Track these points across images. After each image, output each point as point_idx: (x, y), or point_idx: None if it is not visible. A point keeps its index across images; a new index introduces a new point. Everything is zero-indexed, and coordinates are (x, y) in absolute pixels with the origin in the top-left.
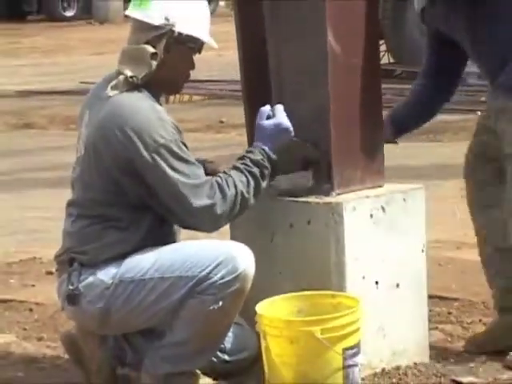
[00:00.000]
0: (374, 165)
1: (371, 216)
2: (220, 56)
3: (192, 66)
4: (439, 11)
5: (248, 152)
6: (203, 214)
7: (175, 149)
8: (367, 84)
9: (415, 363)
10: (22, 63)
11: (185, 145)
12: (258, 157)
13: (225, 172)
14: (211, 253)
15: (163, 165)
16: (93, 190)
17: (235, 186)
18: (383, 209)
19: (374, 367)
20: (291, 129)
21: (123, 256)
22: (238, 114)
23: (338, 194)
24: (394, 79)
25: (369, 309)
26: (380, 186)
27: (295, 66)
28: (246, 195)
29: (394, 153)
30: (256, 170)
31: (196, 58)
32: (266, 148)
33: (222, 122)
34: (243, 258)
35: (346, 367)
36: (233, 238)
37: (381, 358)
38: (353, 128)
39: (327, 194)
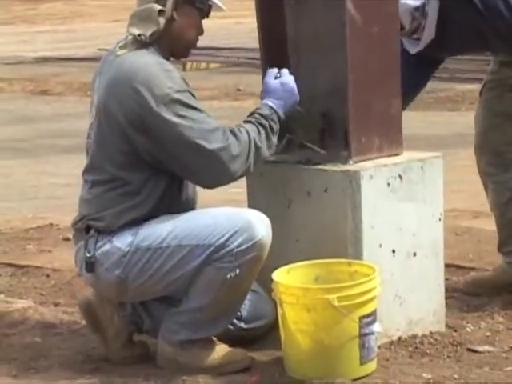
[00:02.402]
0: (392, 133)
1: (388, 184)
2: (238, 24)
3: (200, 30)
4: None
5: (256, 109)
6: (218, 156)
7: (184, 98)
8: (386, 52)
9: (431, 332)
10: (39, 30)
11: (193, 95)
12: (266, 112)
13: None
14: (229, 221)
15: (173, 114)
16: (107, 154)
17: (248, 133)
18: (400, 177)
19: (390, 336)
20: (296, 91)
21: (140, 223)
22: (255, 81)
23: (356, 162)
24: None
25: (385, 277)
26: (398, 155)
27: (313, 34)
28: (259, 143)
29: (413, 121)
30: (265, 123)
31: (215, 25)
32: (274, 105)
33: (239, 89)
34: (261, 226)
35: (362, 335)
36: (250, 205)
37: (397, 327)
38: (370, 96)
39: (345, 161)
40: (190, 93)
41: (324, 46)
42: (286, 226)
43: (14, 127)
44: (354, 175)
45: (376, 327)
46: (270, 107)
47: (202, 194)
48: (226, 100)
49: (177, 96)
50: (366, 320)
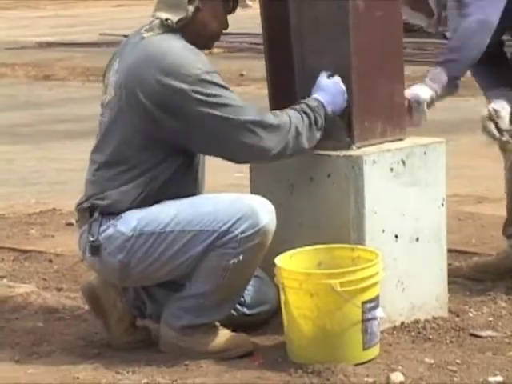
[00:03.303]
0: (395, 118)
1: (391, 169)
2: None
3: (225, 24)
4: None
5: (304, 100)
6: (252, 128)
7: (214, 79)
8: (389, 37)
9: (434, 317)
10: (42, 15)
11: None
12: (313, 103)
13: None
14: (233, 207)
15: (204, 94)
16: (122, 133)
17: (289, 116)
18: (403, 162)
19: (392, 321)
20: (346, 94)
21: (144, 206)
22: (258, 67)
23: (359, 147)
24: (414, 33)
25: (388, 262)
26: (401, 140)
27: (316, 20)
28: (300, 130)
29: None
30: (310, 113)
31: None
32: (322, 100)
33: (242, 75)
34: (264, 213)
35: (364, 320)
36: (252, 190)
37: (400, 312)
38: (374, 81)
39: (348, 147)
40: (218, 74)
41: (327, 32)
42: (289, 211)
43: (17, 112)
44: (356, 160)
45: (379, 312)
46: (318, 101)
47: (205, 178)
48: (229, 85)
49: (207, 76)
50: (368, 305)
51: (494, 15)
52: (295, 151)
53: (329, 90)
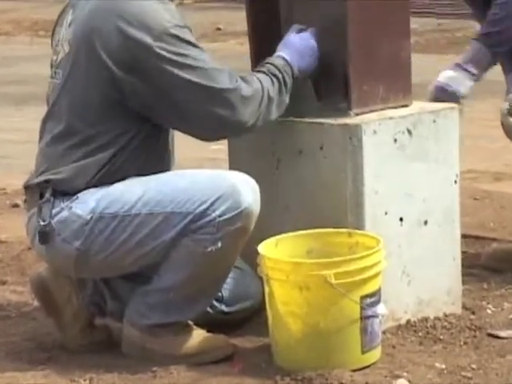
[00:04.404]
0: (400, 80)
1: (395, 141)
2: None
3: None
4: None
5: (268, 59)
6: (227, 97)
7: (184, 35)
8: None
9: (445, 314)
10: None
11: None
12: (279, 62)
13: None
14: (210, 185)
15: (173, 52)
16: (79, 97)
17: (260, 81)
18: (409, 132)
19: (397, 319)
20: (316, 50)
21: (105, 184)
22: (237, 19)
23: (357, 114)
24: None
25: (391, 250)
26: (406, 106)
27: None
28: (272, 94)
29: (424, 66)
30: (279, 74)
31: None
32: (288, 58)
33: (218, 29)
34: (247, 192)
35: (363, 318)
36: (231, 166)
37: (405, 309)
38: (375, 37)
39: (343, 113)
40: (190, 30)
41: None
42: (274, 190)
43: None
44: (354, 130)
45: (380, 309)
46: (284, 59)
47: (175, 152)
48: (203, 41)
49: (176, 31)
50: (368, 300)
51: None
52: (265, 121)
53: (295, 47)
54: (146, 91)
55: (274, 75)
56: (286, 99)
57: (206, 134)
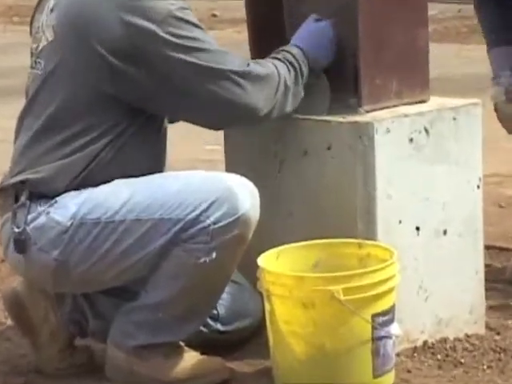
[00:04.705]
0: (416, 73)
1: (411, 140)
2: None
3: None
4: None
5: (283, 47)
6: (238, 78)
7: (190, 17)
8: None
9: (467, 335)
10: None
11: None
12: (294, 50)
13: None
14: (203, 188)
15: (178, 36)
16: (63, 89)
17: (276, 67)
18: (427, 131)
19: (412, 340)
20: (333, 43)
21: (87, 187)
22: (234, 4)
23: (368, 112)
24: None
25: (406, 263)
26: (423, 101)
27: None
28: (289, 83)
29: (444, 57)
30: (295, 63)
31: None
32: (303, 47)
33: (214, 15)
34: (245, 196)
35: (375, 339)
36: (228, 168)
37: (422, 328)
38: (388, 25)
39: (353, 110)
40: (192, 12)
41: None
42: (276, 194)
43: None
44: (365, 128)
45: (394, 328)
46: (299, 48)
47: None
48: None
49: (180, 14)
50: (380, 319)
51: None
52: (281, 112)
53: (312, 36)
54: (148, 82)
55: (291, 63)
56: (302, 91)
57: (217, 122)
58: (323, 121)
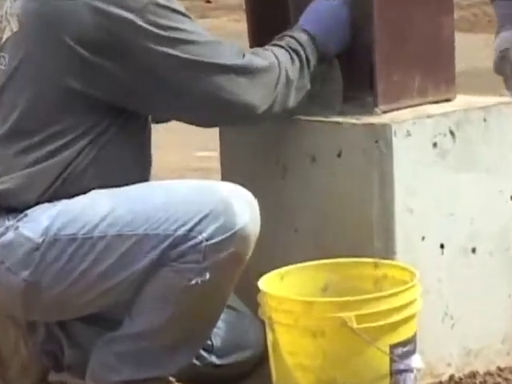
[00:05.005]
0: (440, 67)
1: (434, 145)
2: None
3: None
4: None
5: (288, 31)
6: (232, 73)
7: (175, 4)
8: None
9: (499, 368)
10: None
11: None
12: (302, 37)
13: None
14: (195, 199)
15: (162, 27)
16: (32, 89)
17: (276, 56)
18: (453, 134)
19: (437, 374)
20: (349, 23)
21: (61, 198)
22: None
23: (385, 112)
24: None
25: (430, 285)
26: (449, 100)
27: None
28: (291, 75)
29: (471, 49)
30: (301, 52)
31: None
32: (312, 32)
33: (208, 1)
34: (243, 208)
35: (394, 373)
36: (224, 177)
37: (448, 361)
38: (408, 13)
39: (368, 110)
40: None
41: None
42: (279, 207)
43: None
44: (381, 131)
45: (415, 361)
46: (307, 33)
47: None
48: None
49: (164, 1)
50: (400, 350)
51: None
52: (282, 108)
53: (322, 18)
54: (128, 79)
55: (295, 51)
56: (308, 84)
57: (208, 120)
58: (333, 122)
